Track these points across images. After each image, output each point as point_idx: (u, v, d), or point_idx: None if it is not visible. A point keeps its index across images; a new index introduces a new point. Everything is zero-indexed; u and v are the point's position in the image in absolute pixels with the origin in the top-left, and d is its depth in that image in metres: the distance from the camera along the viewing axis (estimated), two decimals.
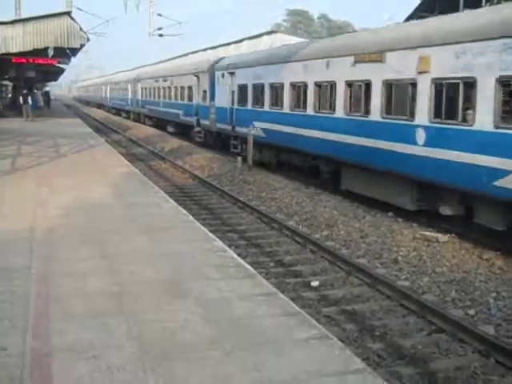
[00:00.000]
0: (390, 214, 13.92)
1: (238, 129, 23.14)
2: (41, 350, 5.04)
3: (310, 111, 17.42)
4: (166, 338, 5.33)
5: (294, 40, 33.61)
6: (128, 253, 8.12)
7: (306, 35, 54.88)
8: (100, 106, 77.09)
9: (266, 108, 20.60)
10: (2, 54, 32.50)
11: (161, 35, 36.36)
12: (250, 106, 22.16)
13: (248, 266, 7.84)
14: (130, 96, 52.07)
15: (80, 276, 7.07)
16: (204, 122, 28.34)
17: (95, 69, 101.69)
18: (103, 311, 5.97)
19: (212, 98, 27.05)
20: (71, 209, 11.03)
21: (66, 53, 35.92)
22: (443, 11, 16.27)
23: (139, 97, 47.93)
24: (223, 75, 24.95)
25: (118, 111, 61.15)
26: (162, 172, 22.54)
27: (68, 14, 32.15)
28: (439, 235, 11.72)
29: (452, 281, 9.50)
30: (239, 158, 21.69)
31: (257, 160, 21.58)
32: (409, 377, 6.52)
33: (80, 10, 34.93)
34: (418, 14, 23.89)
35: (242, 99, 22.83)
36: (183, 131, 33.58)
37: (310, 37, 44.38)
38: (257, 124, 21.00)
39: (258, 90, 21.29)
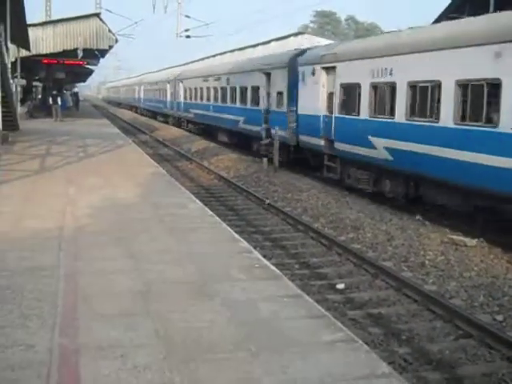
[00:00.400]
0: (418, 217, 13.79)
1: (338, 145, 17.20)
2: (68, 348, 5.09)
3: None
4: (192, 339, 5.35)
5: (321, 42, 33.57)
6: (155, 252, 8.18)
7: (333, 37, 54.71)
8: (132, 107, 73.04)
9: (399, 118, 14.18)
10: (33, 56, 33.05)
11: (188, 36, 36.60)
12: (364, 115, 15.76)
13: (273, 268, 7.83)
14: (168, 98, 46.16)
15: (108, 275, 7.13)
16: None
17: (123, 70, 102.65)
18: (130, 310, 6.02)
19: (292, 101, 21.16)
20: (99, 208, 11.15)
21: (94, 54, 36.40)
22: (473, 13, 16.08)
23: (181, 99, 41.42)
24: (313, 71, 19.00)
25: (153, 114, 55.95)
26: (188, 173, 22.66)
27: (97, 15, 32.60)
28: (467, 239, 11.58)
29: (480, 285, 9.38)
30: (265, 160, 21.67)
31: (365, 189, 16.42)
32: (435, 382, 6.45)
33: (109, 11, 35.45)
34: (446, 15, 23.63)
35: (349, 105, 16.74)
36: (243, 142, 27.57)
37: (337, 39, 44.25)
38: (376, 141, 15.06)
39: (384, 92, 14.88)
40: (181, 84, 41.80)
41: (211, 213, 11.38)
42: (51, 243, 8.54)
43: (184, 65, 64.44)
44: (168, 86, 46.39)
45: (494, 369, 6.79)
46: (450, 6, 26.24)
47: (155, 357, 4.96)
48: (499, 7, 18.27)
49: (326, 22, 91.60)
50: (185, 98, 40.54)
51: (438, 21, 24.70)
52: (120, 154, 21.01)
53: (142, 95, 64.03)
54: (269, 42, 46.58)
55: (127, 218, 10.45)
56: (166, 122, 47.21)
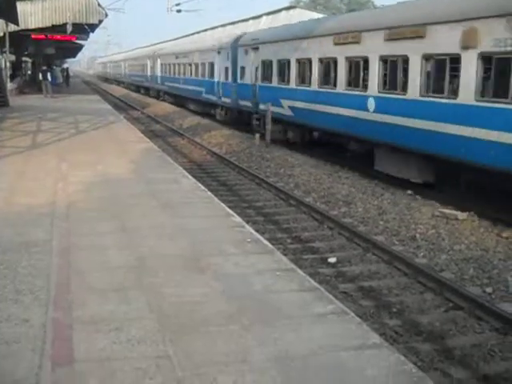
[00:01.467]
0: (409, 191, 13.85)
1: (261, 106, 22.72)
2: (62, 322, 5.13)
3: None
4: (185, 312, 5.40)
5: (313, 16, 33.31)
6: (147, 227, 8.20)
7: (325, 11, 54.26)
8: (119, 82, 77.01)
9: (293, 85, 20.44)
10: (21, 30, 32.61)
11: (179, 11, 36.21)
12: (275, 83, 21.93)
13: (266, 242, 7.88)
14: (148, 72, 51.27)
15: (100, 250, 7.16)
16: (226, 99, 27.76)
17: (113, 45, 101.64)
18: (123, 285, 6.05)
19: (234, 75, 26.53)
20: (91, 184, 11.13)
21: (84, 29, 35.97)
22: None
23: (158, 73, 47.17)
24: (246, 51, 24.81)
25: (137, 88, 60.81)
26: (180, 148, 22.61)
27: None
28: (458, 213, 11.66)
29: (470, 259, 9.48)
30: (257, 135, 21.64)
31: (279, 139, 21.60)
32: (426, 353, 6.56)
33: None
34: None
35: (266, 76, 22.76)
36: (205, 109, 32.71)
37: (330, 13, 43.91)
38: (283, 102, 20.97)
39: (284, 66, 21.01)
40: (158, 60, 47.33)
41: (204, 188, 11.39)
42: (44, 219, 8.54)
43: (172, 40, 64.05)
44: (148, 61, 51.70)
45: (483, 340, 6.90)
46: None
47: (149, 330, 5.01)
48: None
49: None
50: (161, 72, 46.20)
51: None
52: (111, 131, 20.91)
53: (127, 71, 68.48)
54: (260, 16, 46.17)
55: (119, 193, 10.45)
56: (148, 94, 52.28)
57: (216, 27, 54.92)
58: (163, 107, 40.32)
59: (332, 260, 9.58)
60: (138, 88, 60.15)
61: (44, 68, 39.94)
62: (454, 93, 12.20)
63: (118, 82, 77.16)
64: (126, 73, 67.89)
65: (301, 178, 15.86)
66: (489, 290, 8.30)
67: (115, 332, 4.96)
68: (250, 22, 46.72)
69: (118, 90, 66.29)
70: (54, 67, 51.68)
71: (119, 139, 18.37)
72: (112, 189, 10.81)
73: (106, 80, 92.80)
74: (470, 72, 11.60)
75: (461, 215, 11.56)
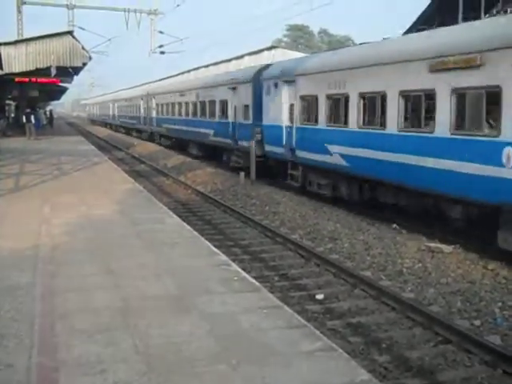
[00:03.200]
0: (394, 225, 13.91)
1: (299, 154, 18.56)
2: (47, 366, 5.04)
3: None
4: (172, 353, 5.33)
5: (295, 55, 33.86)
6: (133, 268, 8.14)
7: (307, 50, 55.23)
8: (107, 124, 74.64)
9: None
10: (5, 74, 32.75)
11: (162, 52, 36.63)
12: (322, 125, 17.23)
13: (252, 280, 7.84)
14: (142, 113, 47.54)
15: (85, 292, 7.08)
16: (243, 143, 23.55)
17: (98, 87, 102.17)
18: (109, 326, 5.97)
19: (256, 114, 22.55)
20: (75, 226, 11.06)
21: (68, 72, 36.18)
22: (443, 23, 16.40)
23: (154, 114, 43.33)
24: (276, 85, 20.30)
25: (127, 130, 57.84)
26: (165, 188, 22.60)
27: (70, 33, 32.44)
28: (444, 246, 11.71)
29: (457, 291, 9.49)
30: (242, 173, 21.71)
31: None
32: None
33: (82, 29, 35.32)
34: (416, 28, 24.07)
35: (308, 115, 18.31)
36: (212, 154, 29.30)
37: (311, 52, 44.68)
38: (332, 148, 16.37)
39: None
40: (153, 100, 43.92)
41: (189, 227, 11.36)
42: (27, 262, 8.45)
43: (158, 81, 64.60)
44: (141, 102, 48.52)
45: (473, 373, 6.86)
46: (419, 17, 26.76)
47: (136, 372, 4.94)
48: (467, 17, 18.70)
49: (299, 36, 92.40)
50: (157, 113, 42.74)
51: (409, 30, 25.13)
52: (95, 171, 20.89)
53: (116, 112, 65.94)
54: (242, 56, 46.88)
55: (104, 234, 10.39)
56: (140, 137, 49.68)
57: (199, 67, 55.64)
58: (147, 147, 40.43)
59: (319, 297, 9.54)
60: (128, 131, 57.58)
61: (27, 111, 40.02)
62: None
63: (106, 124, 75.53)
64: (115, 114, 65.17)
65: (286, 214, 15.88)
66: (477, 322, 8.29)
67: (101, 374, 4.88)
68: (233, 62, 47.40)
69: (102, 131, 66.44)
70: (38, 109, 51.83)
71: (103, 180, 18.34)
72: (96, 230, 10.75)
73: (93, 122, 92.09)
74: None
75: (446, 248, 11.61)
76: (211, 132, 28.20)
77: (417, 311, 8.54)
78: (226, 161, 26.66)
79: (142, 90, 52.03)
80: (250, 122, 23.11)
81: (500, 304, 8.86)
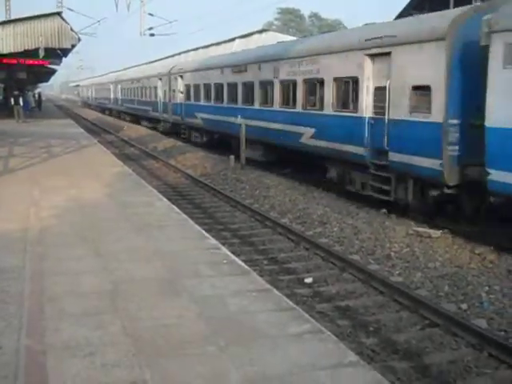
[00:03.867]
0: (384, 210, 13.97)
1: (186, 119, 29.91)
2: (35, 348, 5.05)
3: None
4: (161, 335, 5.35)
5: (284, 38, 33.70)
6: (122, 251, 8.14)
7: (297, 34, 54.96)
8: (105, 110, 69.51)
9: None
10: None
11: (152, 35, 36.36)
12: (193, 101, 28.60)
13: (242, 263, 7.86)
14: (160, 98, 41.44)
15: (74, 275, 7.08)
16: (165, 115, 34.72)
17: (86, 69, 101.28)
18: (98, 309, 5.98)
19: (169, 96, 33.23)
20: (64, 208, 11.02)
21: (57, 53, 35.84)
22: (433, 9, 16.36)
23: (119, 96, 53.23)
24: (176, 78, 31.90)
25: (102, 109, 67.06)
26: (154, 171, 22.53)
27: (59, 14, 32.08)
28: (432, 231, 11.78)
29: (445, 276, 9.56)
30: (232, 157, 21.68)
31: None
32: (403, 371, 6.57)
33: (71, 10, 34.98)
34: (407, 12, 23.99)
35: (188, 96, 29.50)
36: (153, 124, 39.16)
37: (302, 35, 44.49)
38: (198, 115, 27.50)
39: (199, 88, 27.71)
40: (119, 85, 51.31)
41: (178, 210, 11.36)
42: (16, 244, 8.42)
43: (132, 67, 64.99)
44: (111, 86, 55.04)
45: (460, 356, 6.94)
46: (410, 2, 26.65)
47: (124, 354, 4.95)
48: (458, 3, 18.65)
49: (290, 19, 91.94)
50: (121, 95, 52.02)
51: (399, 17, 25.05)
52: (85, 154, 20.78)
53: (94, 94, 70.27)
54: (233, 39, 46.60)
55: (93, 217, 10.36)
56: (110, 114, 55.48)
57: (189, 51, 55.27)
58: (137, 130, 40.23)
59: (308, 280, 9.58)
60: (102, 110, 64.29)
61: (16, 93, 39.64)
62: None
63: (104, 110, 66.62)
64: (118, 98, 55.27)
65: (276, 199, 15.90)
66: (464, 306, 8.38)
67: (90, 357, 4.89)
68: (223, 45, 47.11)
69: (91, 114, 66.01)
70: (26, 92, 51.36)
71: (92, 163, 18.26)
72: (85, 213, 10.72)
73: (87, 106, 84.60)
74: None
75: (434, 233, 11.68)
76: (150, 108, 39.45)
77: (404, 295, 8.61)
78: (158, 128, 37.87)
79: (161, 68, 40.79)
80: (167, 101, 34.88)
81: (487, 288, 8.94)
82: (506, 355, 6.74)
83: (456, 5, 19.89)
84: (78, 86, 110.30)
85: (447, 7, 20.11)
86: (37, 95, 66.16)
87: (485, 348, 7.00)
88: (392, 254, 10.79)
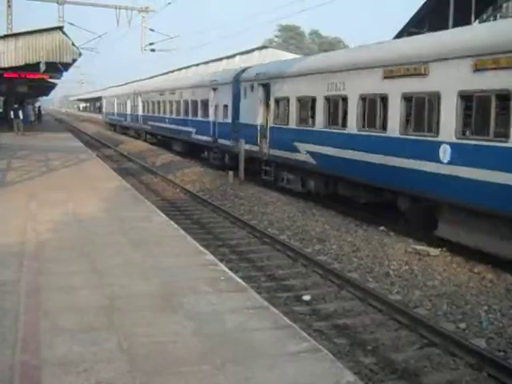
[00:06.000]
0: (382, 228, 13.94)
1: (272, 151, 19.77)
2: (30, 364, 4.98)
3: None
4: (157, 352, 5.29)
5: (285, 55, 33.87)
6: (119, 266, 8.08)
7: (297, 51, 55.30)
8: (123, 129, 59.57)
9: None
10: None
11: (153, 50, 36.44)
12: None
13: (239, 280, 7.81)
14: (128, 111, 45.24)
15: (70, 290, 7.01)
16: (223, 141, 24.54)
17: (87, 84, 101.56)
18: (94, 325, 5.92)
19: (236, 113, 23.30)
20: (62, 223, 10.97)
21: (57, 68, 35.95)
22: (433, 27, 16.47)
23: (140, 112, 42.53)
24: (252, 87, 21.52)
25: (115, 127, 55.60)
26: (153, 186, 22.51)
27: (60, 28, 32.21)
28: (430, 249, 11.75)
29: (443, 294, 9.52)
30: (230, 173, 21.68)
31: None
32: None
33: (72, 24, 35.04)
34: (407, 31, 24.16)
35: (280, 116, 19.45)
36: (194, 151, 30.13)
37: (302, 53, 44.77)
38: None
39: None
40: (139, 98, 42.74)
41: (176, 226, 11.31)
42: (12, 259, 8.36)
43: (148, 79, 64.16)
44: (128, 100, 46.57)
45: (458, 376, 6.88)
46: (410, 21, 26.87)
47: (120, 371, 4.89)
48: (457, 22, 18.80)
49: (290, 36, 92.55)
50: (143, 111, 41.77)
51: (399, 35, 25.26)
52: (83, 168, 20.76)
53: (104, 109, 61.81)
54: (234, 55, 46.85)
55: (91, 232, 10.32)
56: (125, 134, 48.37)
57: (189, 66, 55.53)
58: (136, 145, 40.25)
59: (306, 298, 9.53)
60: (115, 127, 53.14)
61: (16, 106, 39.71)
62: None
63: (121, 129, 52.91)
64: (138, 114, 43.65)
65: (275, 215, 15.87)
66: (462, 325, 8.32)
67: (85, 374, 4.82)
68: (224, 61, 47.35)
69: (91, 128, 66.09)
70: (26, 105, 51.46)
71: (91, 177, 18.23)
72: (83, 227, 10.67)
73: (112, 128, 59.13)
74: None
75: (433, 251, 11.64)
76: (193, 130, 29.10)
77: (403, 313, 8.56)
78: (207, 158, 27.59)
79: (129, 88, 45.46)
80: (229, 120, 23.91)
81: (485, 307, 8.89)
82: (506, 376, 6.68)
83: (455, 23, 20.08)
84: (78, 99, 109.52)
85: (447, 25, 20.30)
86: (37, 109, 66.33)
87: (484, 368, 6.95)
88: (390, 271, 10.74)
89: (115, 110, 54.06)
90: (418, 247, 11.92)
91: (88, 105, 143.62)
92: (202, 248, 9.57)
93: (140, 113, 42.98)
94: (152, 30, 35.21)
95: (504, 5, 22.66)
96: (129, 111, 46.95)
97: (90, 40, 44.11)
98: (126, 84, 63.59)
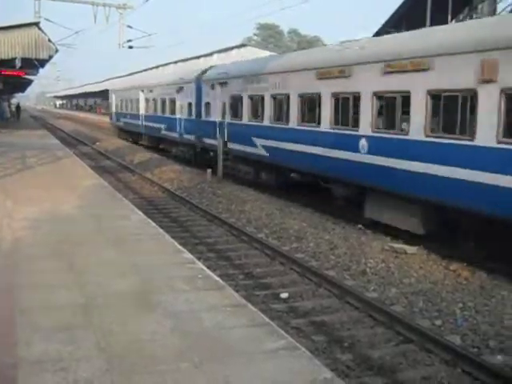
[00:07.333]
0: (360, 226, 14.04)
1: (231, 145, 21.21)
2: (6, 362, 4.94)
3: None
4: (135, 351, 5.28)
5: (264, 54, 33.90)
6: (96, 265, 8.04)
7: (276, 49, 55.36)
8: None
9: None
10: None
11: (131, 47, 36.18)
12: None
13: (217, 278, 7.83)
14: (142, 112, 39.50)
15: (47, 288, 6.97)
16: (188, 137, 25.70)
17: (64, 80, 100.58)
18: (71, 324, 5.89)
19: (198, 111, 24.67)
20: (38, 221, 10.87)
21: (34, 64, 35.52)
22: (411, 27, 16.63)
23: (113, 109, 43.50)
24: (213, 86, 22.91)
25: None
26: (131, 185, 22.38)
27: (36, 24, 31.81)
28: (407, 247, 11.87)
29: (419, 291, 9.62)
30: (209, 171, 21.65)
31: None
32: None
33: (48, 20, 34.59)
34: (385, 30, 24.35)
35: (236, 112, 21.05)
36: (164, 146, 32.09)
37: (281, 51, 44.82)
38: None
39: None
40: (113, 96, 43.63)
41: (154, 224, 11.28)
42: None
43: (125, 76, 63.65)
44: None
45: (433, 372, 6.97)
46: (388, 20, 27.07)
47: (97, 370, 4.88)
48: (435, 23, 19.00)
49: (269, 35, 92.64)
50: (116, 108, 42.32)
51: (377, 34, 25.42)
52: (60, 166, 20.57)
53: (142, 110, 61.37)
54: (211, 53, 46.77)
55: (67, 230, 10.24)
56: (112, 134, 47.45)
57: (168, 64, 55.29)
58: (114, 142, 39.95)
59: (284, 295, 9.57)
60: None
61: None
62: None
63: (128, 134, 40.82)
64: (141, 115, 35.28)
65: (253, 213, 15.89)
66: (438, 322, 8.43)
67: (62, 372, 4.80)
68: (202, 59, 47.24)
69: (68, 125, 65.48)
70: (1, 101, 50.84)
71: (68, 175, 18.08)
72: (59, 226, 10.58)
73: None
74: None
75: (410, 249, 11.76)
76: (162, 127, 30.19)
77: (379, 311, 8.64)
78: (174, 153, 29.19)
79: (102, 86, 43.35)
80: (193, 117, 25.25)
81: (461, 305, 9.02)
82: (480, 372, 6.78)
83: (432, 23, 20.28)
84: (55, 96, 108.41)
85: (424, 25, 20.49)
86: (13, 106, 65.57)
87: (458, 364, 7.05)
88: (367, 269, 10.83)
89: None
90: (395, 245, 12.03)
91: (65, 102, 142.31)
92: (179, 246, 9.56)
93: (113, 109, 44.06)
94: (130, 26, 34.88)
95: (479, 6, 22.94)
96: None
97: (67, 36, 43.64)
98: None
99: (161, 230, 10.74)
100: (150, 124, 32.91)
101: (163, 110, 30.31)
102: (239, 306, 6.64)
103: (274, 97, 18.12)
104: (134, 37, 35.14)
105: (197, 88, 24.93)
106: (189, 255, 8.97)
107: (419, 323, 8.22)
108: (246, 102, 19.92)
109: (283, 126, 17.44)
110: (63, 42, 37.01)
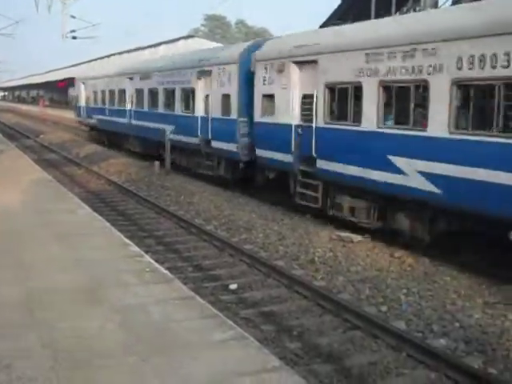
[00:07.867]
0: (308, 215, 14.18)
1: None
2: None
3: None
4: (82, 347, 5.22)
5: (211, 45, 33.74)
6: (41, 260, 7.89)
7: (223, 41, 55.17)
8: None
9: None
10: None
11: (74, 37, 35.46)
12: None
13: (165, 271, 7.80)
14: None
15: None
16: (221, 145, 23.02)
17: (4, 72, 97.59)
18: (13, 321, 5.77)
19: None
20: None
21: None
22: (357, 19, 16.84)
23: (82, 103, 35.47)
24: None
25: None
26: (76, 178, 21.97)
27: None
28: (353, 235, 12.05)
29: (366, 279, 9.81)
30: (157, 163, 21.47)
31: None
32: (325, 374, 6.67)
33: None
34: (331, 22, 24.57)
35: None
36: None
37: (228, 42, 44.71)
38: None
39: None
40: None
41: (101, 218, 11.13)
42: None
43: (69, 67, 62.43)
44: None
45: (380, 357, 7.11)
46: (335, 12, 27.33)
47: (41, 367, 4.80)
48: (379, 15, 19.31)
49: (216, 26, 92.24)
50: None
51: (324, 26, 25.61)
52: (2, 160, 20.03)
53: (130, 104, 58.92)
54: (159, 44, 46.24)
55: (10, 225, 9.99)
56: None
57: (113, 54, 54.39)
58: (59, 135, 39.11)
59: (233, 286, 9.59)
60: None
61: None
62: None
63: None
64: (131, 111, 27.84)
65: (201, 205, 15.85)
66: (384, 308, 8.61)
67: (6, 370, 4.70)
68: (147, 50, 46.65)
69: (9, 118, 63.69)
70: None
71: (10, 169, 17.61)
72: (3, 221, 10.32)
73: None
74: None
75: (356, 238, 11.96)
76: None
77: (327, 299, 8.76)
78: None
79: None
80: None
81: (405, 291, 9.23)
82: (424, 355, 6.97)
83: (377, 16, 20.59)
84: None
85: (369, 17, 20.78)
86: None
87: (403, 349, 7.21)
88: (316, 258, 10.96)
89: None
90: (342, 234, 12.20)
91: (6, 94, 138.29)
92: (127, 240, 9.47)
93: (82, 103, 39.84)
94: (73, 16, 34.25)
95: None
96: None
97: (7, 26, 42.29)
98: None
99: (108, 224, 10.61)
100: (145, 123, 24.76)
101: (168, 105, 22.66)
102: (188, 298, 6.64)
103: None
104: (78, 27, 34.38)
105: (242, 72, 17.14)
106: (136, 248, 8.90)
107: (366, 310, 8.38)
108: (374, 94, 11.37)
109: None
110: (3, 31, 35.88)
